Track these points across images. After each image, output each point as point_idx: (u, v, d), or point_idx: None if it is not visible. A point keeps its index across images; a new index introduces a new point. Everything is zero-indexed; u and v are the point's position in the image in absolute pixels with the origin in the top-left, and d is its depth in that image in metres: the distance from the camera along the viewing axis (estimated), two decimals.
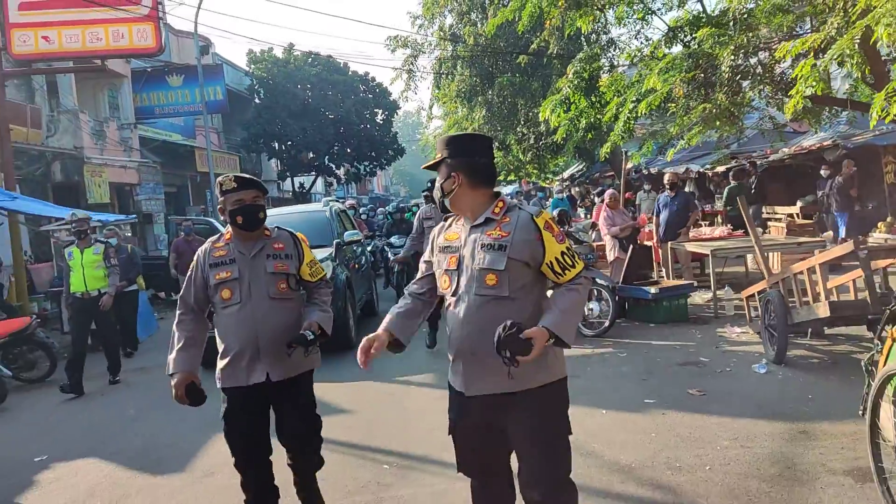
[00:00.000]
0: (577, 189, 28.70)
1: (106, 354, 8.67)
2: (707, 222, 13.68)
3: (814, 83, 6.45)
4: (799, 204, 14.25)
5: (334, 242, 9.40)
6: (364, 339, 2.85)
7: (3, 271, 12.49)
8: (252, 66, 33.57)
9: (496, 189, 2.90)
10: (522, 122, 21.56)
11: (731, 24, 11.46)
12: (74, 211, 9.56)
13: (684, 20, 10.85)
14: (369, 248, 13.63)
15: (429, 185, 8.36)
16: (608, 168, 24.22)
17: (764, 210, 14.09)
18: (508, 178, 30.71)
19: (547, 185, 34.10)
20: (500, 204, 2.83)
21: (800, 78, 6.59)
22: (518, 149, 22.41)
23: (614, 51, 18.30)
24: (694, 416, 5.23)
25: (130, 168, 20.96)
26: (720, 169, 17.44)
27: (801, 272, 6.52)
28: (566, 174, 32.27)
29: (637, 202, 17.43)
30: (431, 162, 2.98)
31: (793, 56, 7.84)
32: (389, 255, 13.99)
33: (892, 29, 5.64)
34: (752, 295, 7.93)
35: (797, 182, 14.88)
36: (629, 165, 20.25)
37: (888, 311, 3.68)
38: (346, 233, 10.07)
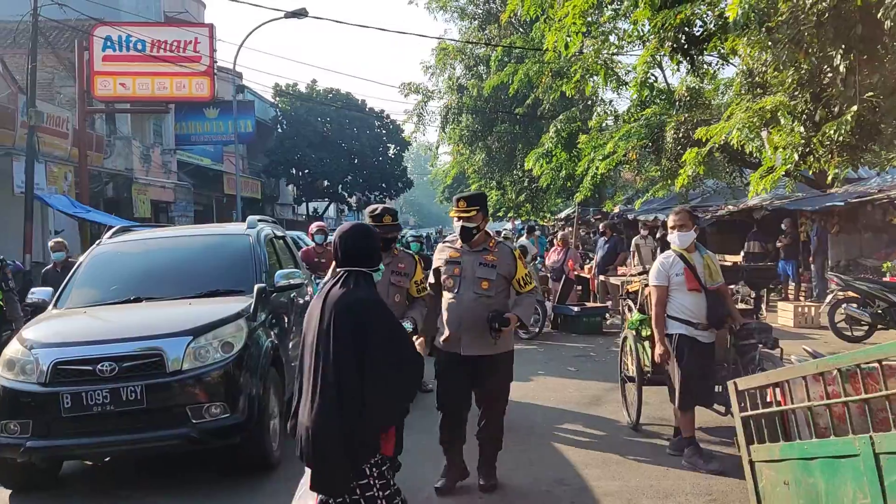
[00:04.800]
0: (569, 229, 31.09)
1: None
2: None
3: (694, 165, 9.02)
4: (742, 253, 16.70)
5: (255, 289, 5.58)
6: None
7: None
8: (277, 99, 36.43)
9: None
10: (518, 167, 24.10)
11: (677, 103, 14.14)
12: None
13: (633, 101, 13.26)
14: None
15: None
16: (598, 211, 26.71)
17: None
18: (508, 216, 33.22)
19: (544, 224, 36.55)
20: (493, 241, 4.70)
21: (688, 161, 9.17)
22: (512, 190, 24.79)
23: (598, 107, 20.61)
24: (559, 379, 8.17)
25: (168, 188, 23.64)
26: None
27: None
28: (562, 214, 34.77)
29: (632, 248, 19.62)
30: (468, 210, 4.57)
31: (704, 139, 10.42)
32: None
33: (740, 134, 8.23)
34: None
35: (735, 233, 17.38)
36: (616, 210, 22.78)
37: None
38: (278, 272, 6.07)
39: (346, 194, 40.30)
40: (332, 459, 2.80)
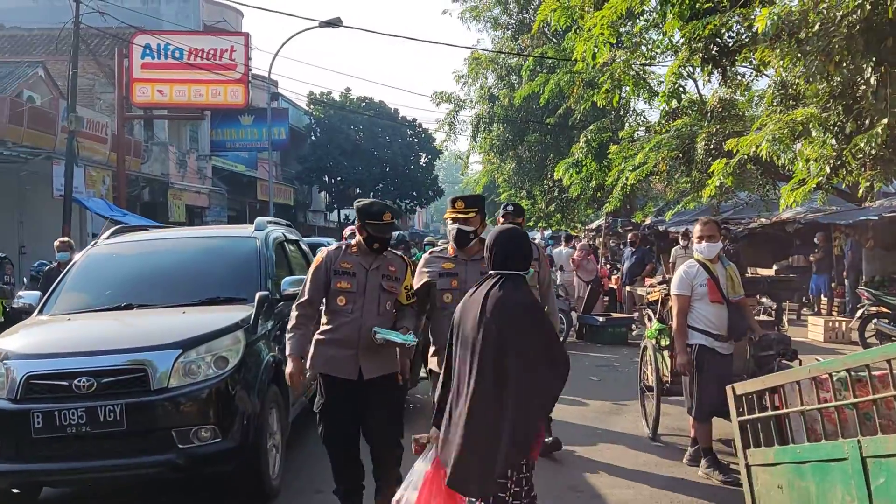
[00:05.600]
0: (599, 239, 30.96)
1: None
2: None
3: (722, 176, 8.95)
4: (775, 267, 16.49)
5: (257, 297, 5.03)
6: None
7: None
8: (311, 107, 36.90)
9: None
10: (548, 176, 24.08)
11: (708, 114, 14.04)
12: None
13: (663, 112, 13.19)
14: None
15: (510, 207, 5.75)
16: (627, 221, 26.56)
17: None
18: (538, 225, 33.18)
19: (574, 234, 36.42)
20: None
21: (716, 172, 9.10)
22: (542, 199, 24.77)
23: (629, 118, 20.43)
24: (580, 388, 7.90)
25: (203, 193, 24.08)
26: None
27: None
28: (593, 225, 34.63)
29: (672, 259, 19.53)
30: (466, 211, 4.16)
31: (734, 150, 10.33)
32: None
33: (769, 146, 8.17)
34: None
35: (767, 246, 17.14)
36: (647, 221, 22.63)
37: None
38: (286, 279, 5.43)
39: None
40: (482, 458, 2.79)
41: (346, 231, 9.80)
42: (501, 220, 5.36)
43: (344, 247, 4.19)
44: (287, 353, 4.00)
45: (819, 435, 1.68)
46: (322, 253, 4.16)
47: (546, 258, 5.01)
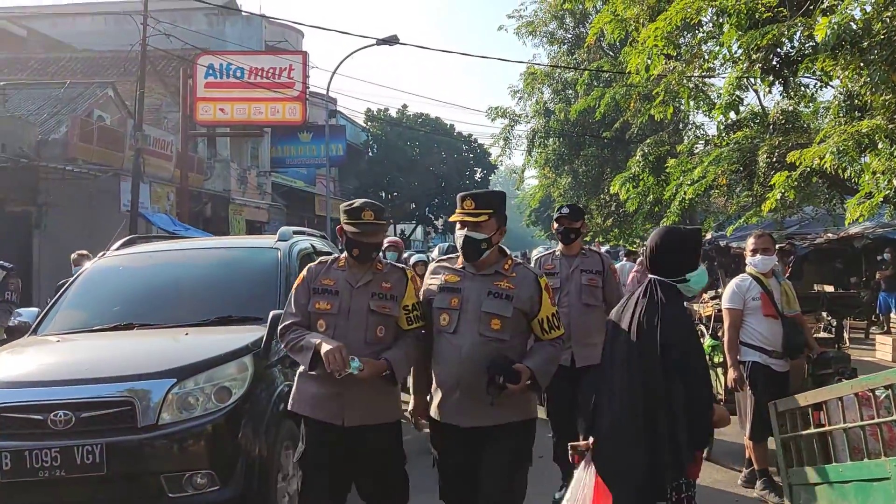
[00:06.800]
0: None
1: None
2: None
3: (784, 190, 8.71)
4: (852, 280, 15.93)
5: (270, 316, 4.11)
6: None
7: None
8: (369, 123, 37.49)
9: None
10: (605, 191, 23.84)
11: (771, 126, 13.72)
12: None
13: (720, 124, 12.93)
14: None
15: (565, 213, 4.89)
16: None
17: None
18: (596, 240, 32.85)
19: (633, 249, 35.93)
20: (509, 261, 3.23)
21: (777, 185, 8.85)
22: (599, 214, 24.55)
23: (688, 131, 20.10)
24: None
25: (262, 208, 24.67)
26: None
27: None
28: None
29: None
30: (476, 213, 3.15)
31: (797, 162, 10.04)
32: None
33: (833, 158, 7.93)
34: None
35: (832, 262, 16.58)
36: (708, 236, 22.20)
37: None
38: None
39: (432, 217, 40.88)
40: (636, 477, 2.73)
41: (385, 243, 8.37)
42: (556, 225, 4.82)
43: (330, 260, 3.49)
44: (310, 347, 3.20)
45: (863, 453, 1.61)
46: (306, 268, 3.51)
47: (614, 270, 4.77)
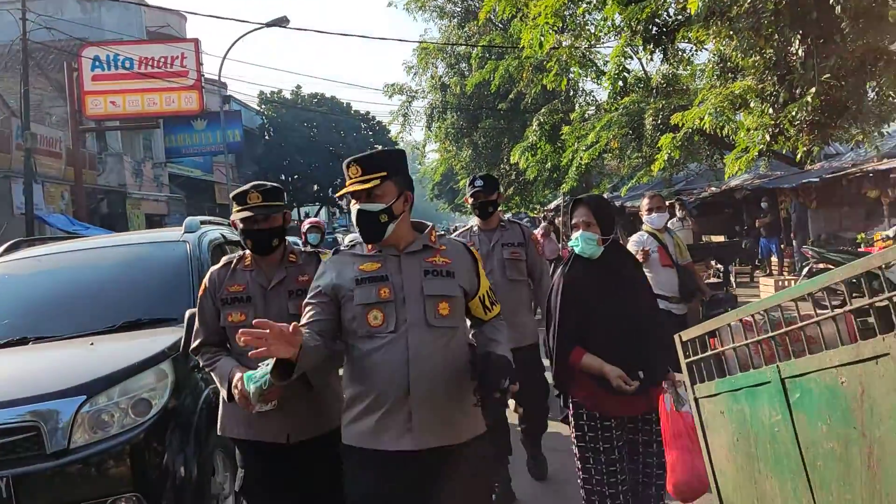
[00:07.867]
0: (559, 219, 31.64)
1: None
2: None
3: (670, 150, 9.48)
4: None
5: (186, 315, 3.50)
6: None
7: None
8: (263, 107, 36.81)
9: None
10: (505, 161, 24.50)
11: (654, 90, 14.58)
12: None
13: (610, 93, 13.62)
14: None
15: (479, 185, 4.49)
16: None
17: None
18: (499, 209, 33.66)
19: (533, 215, 37.12)
20: (433, 232, 2.55)
21: (664, 146, 9.61)
22: (500, 184, 25.11)
23: (579, 99, 20.85)
24: None
25: (161, 201, 24.02)
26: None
27: None
28: (551, 205, 35.32)
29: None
30: (365, 179, 2.42)
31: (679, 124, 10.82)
32: None
33: (712, 118, 8.68)
34: None
35: (718, 214, 17.89)
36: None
37: None
38: None
39: (336, 198, 40.73)
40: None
41: (304, 225, 8.39)
42: (471, 199, 4.44)
43: (235, 260, 3.02)
44: (217, 379, 2.87)
45: (749, 367, 2.07)
46: (206, 275, 3.04)
47: (535, 239, 4.52)
